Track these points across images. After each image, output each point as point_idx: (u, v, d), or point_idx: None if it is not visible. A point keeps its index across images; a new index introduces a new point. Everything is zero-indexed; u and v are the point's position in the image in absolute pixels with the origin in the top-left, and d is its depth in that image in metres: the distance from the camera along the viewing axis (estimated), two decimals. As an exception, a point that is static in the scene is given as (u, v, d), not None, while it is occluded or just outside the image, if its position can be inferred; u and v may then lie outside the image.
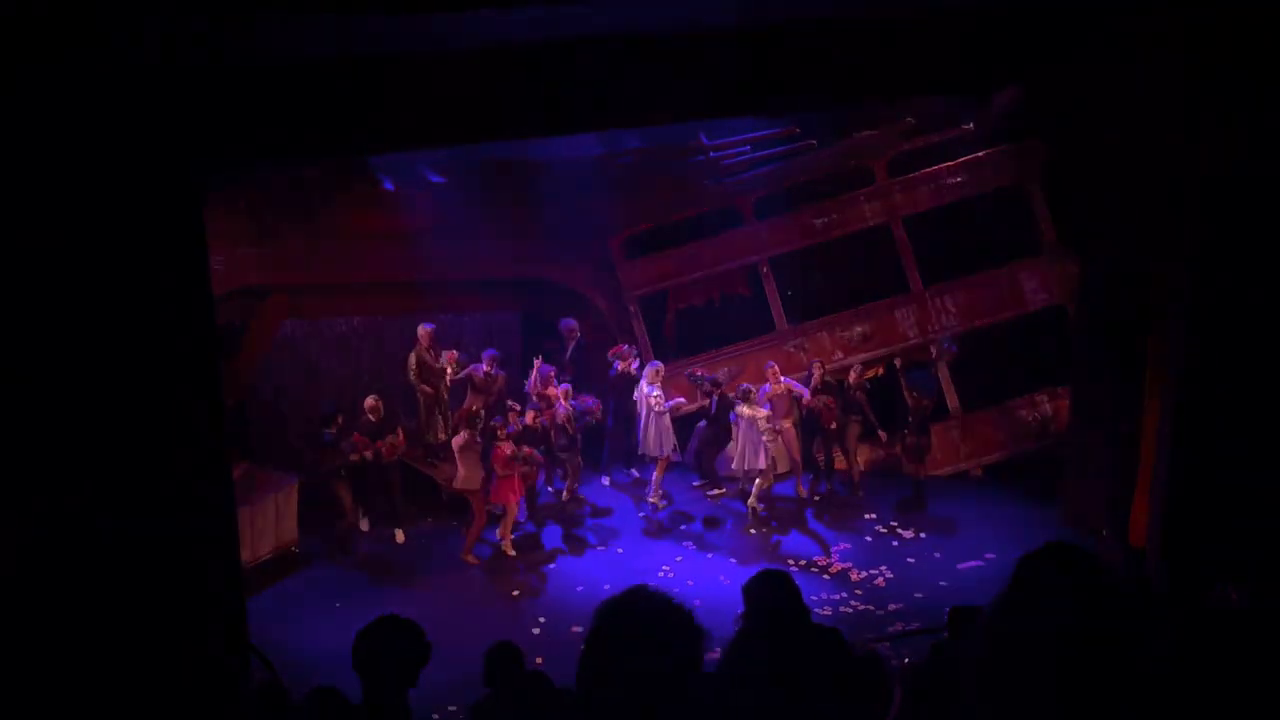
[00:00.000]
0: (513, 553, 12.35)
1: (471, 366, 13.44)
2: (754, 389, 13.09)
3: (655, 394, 13.15)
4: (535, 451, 12.53)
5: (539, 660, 8.50)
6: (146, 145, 6.99)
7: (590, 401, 13.40)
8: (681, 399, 13.57)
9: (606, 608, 2.69)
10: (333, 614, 10.87)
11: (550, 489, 13.64)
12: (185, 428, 7.30)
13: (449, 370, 13.36)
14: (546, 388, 13.20)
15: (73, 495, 6.80)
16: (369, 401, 12.61)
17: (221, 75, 7.51)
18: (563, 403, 13.01)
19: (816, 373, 13.53)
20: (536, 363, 13.44)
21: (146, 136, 6.99)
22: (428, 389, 13.49)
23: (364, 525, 12.96)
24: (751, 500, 13.14)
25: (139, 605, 6.96)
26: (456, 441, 12.27)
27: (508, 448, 12.10)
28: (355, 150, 10.69)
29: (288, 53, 7.58)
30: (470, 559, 12.28)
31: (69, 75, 6.60)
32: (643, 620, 2.63)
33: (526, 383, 13.45)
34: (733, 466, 13.35)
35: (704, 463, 13.82)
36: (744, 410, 12.95)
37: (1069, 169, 12.92)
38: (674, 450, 13.36)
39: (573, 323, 14.26)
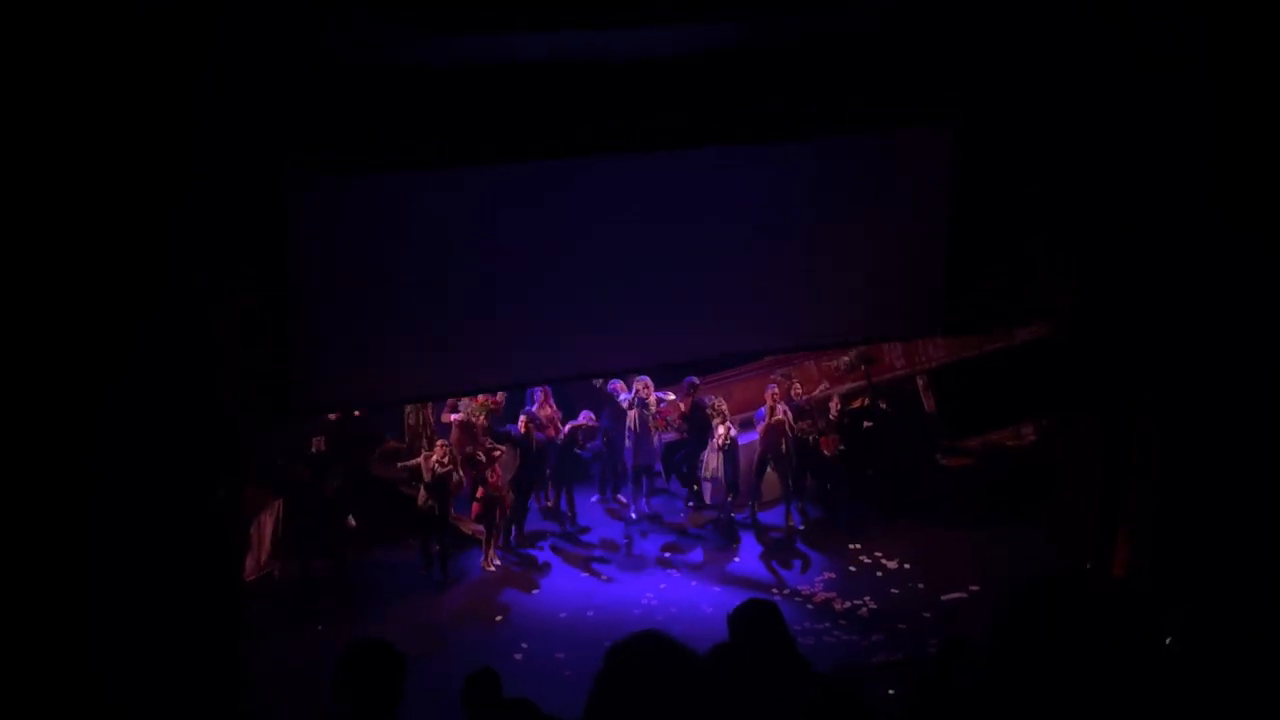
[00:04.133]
0: (492, 567, 12.38)
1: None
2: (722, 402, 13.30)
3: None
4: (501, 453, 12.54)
5: (521, 688, 8.43)
6: (142, 150, 6.98)
7: (589, 417, 13.41)
8: (670, 395, 13.55)
9: (616, 659, 2.66)
10: (315, 635, 10.73)
11: (538, 505, 13.59)
12: (178, 441, 7.28)
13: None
14: (540, 409, 13.21)
15: (67, 507, 6.76)
16: None
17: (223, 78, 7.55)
18: (563, 427, 13.14)
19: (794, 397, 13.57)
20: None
21: (145, 137, 6.98)
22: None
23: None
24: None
25: (131, 621, 6.91)
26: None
27: (497, 472, 12.21)
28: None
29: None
30: (489, 566, 12.44)
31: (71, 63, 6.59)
32: (655, 674, 2.61)
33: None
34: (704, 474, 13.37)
35: (686, 482, 13.78)
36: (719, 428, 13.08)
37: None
38: (657, 461, 13.43)
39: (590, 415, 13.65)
